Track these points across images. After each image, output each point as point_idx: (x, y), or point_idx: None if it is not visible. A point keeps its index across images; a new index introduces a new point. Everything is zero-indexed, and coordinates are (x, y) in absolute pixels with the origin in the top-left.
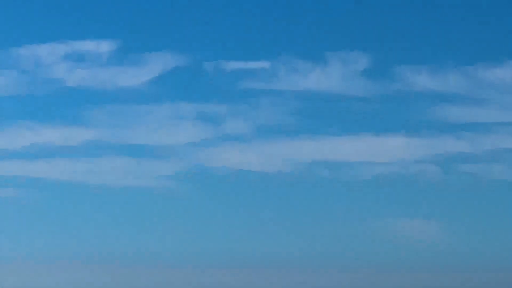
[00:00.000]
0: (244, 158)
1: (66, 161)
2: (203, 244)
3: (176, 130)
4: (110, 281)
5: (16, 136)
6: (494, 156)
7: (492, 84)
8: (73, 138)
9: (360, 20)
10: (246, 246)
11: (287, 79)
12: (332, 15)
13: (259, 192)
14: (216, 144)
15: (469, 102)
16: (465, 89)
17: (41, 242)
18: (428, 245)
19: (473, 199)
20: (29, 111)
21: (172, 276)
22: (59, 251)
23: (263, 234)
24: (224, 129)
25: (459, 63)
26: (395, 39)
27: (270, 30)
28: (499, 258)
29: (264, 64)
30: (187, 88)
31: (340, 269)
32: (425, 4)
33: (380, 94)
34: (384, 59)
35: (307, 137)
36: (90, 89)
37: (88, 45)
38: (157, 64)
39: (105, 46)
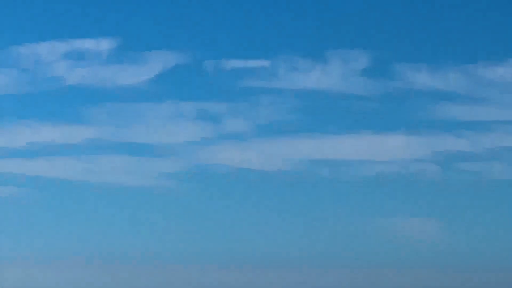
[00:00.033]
0: (244, 156)
1: (66, 159)
2: (203, 243)
3: (176, 129)
4: (110, 280)
5: (16, 134)
6: (494, 154)
7: (492, 83)
8: (73, 137)
9: (360, 19)
10: (247, 245)
11: (287, 77)
12: (332, 14)
13: (259, 191)
14: (216, 142)
15: (469, 101)
16: (465, 88)
17: (41, 241)
18: (428, 243)
19: (473, 198)
20: (29, 110)
21: (172, 275)
22: (59, 250)
23: (263, 233)
24: (224, 128)
25: (459, 61)
26: (395, 37)
27: (270, 29)
28: (499, 257)
29: (264, 62)
30: (187, 86)
31: (340, 267)
32: (425, 3)
33: (380, 92)
34: (384, 58)
35: (307, 136)
36: (90, 88)
37: (88, 44)
38: (157, 62)
39: (105, 45)
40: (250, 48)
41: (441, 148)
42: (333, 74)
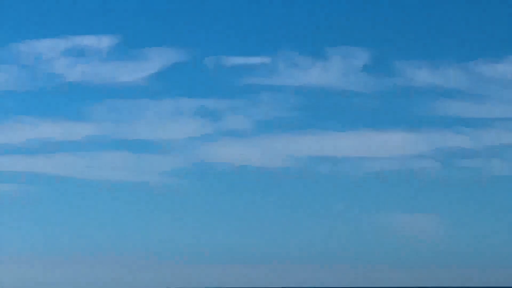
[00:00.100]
0: (244, 153)
1: (66, 156)
2: (204, 239)
3: (177, 126)
4: (109, 274)
5: (16, 131)
6: (494, 151)
7: (492, 80)
8: (73, 133)
9: (360, 16)
10: (247, 241)
11: (287, 74)
12: (332, 11)
13: (259, 187)
14: (217, 139)
15: (469, 98)
16: (465, 85)
17: (41, 237)
18: (428, 239)
19: (473, 194)
20: (29, 106)
21: (171, 270)
22: (59, 245)
23: (264, 229)
24: (225, 125)
25: (459, 58)
26: (395, 34)
27: (270, 26)
28: (499, 252)
29: (264, 59)
30: (188, 83)
31: (341, 263)
32: (424, 0)
33: (380, 89)
34: (384, 55)
35: (307, 132)
36: (90, 84)
37: (88, 40)
38: (157, 59)
39: (105, 41)
40: (251, 45)
41: (441, 144)
42: (333, 71)
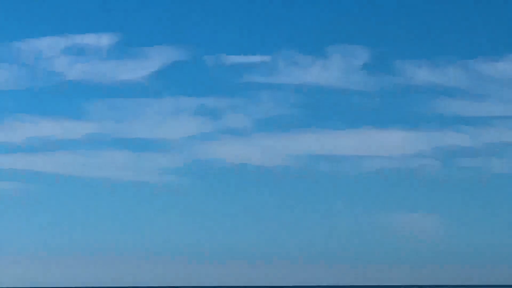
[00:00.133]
0: (244, 152)
1: (66, 154)
2: (203, 237)
3: (176, 124)
4: (109, 272)
5: (16, 129)
6: (494, 149)
7: (492, 78)
8: (73, 132)
9: (360, 15)
10: (246, 240)
11: (287, 73)
12: (333, 10)
13: (259, 186)
14: (216, 138)
15: (469, 96)
16: (465, 83)
17: (41, 235)
18: (428, 238)
19: (473, 192)
20: (29, 105)
21: (171, 267)
22: (59, 244)
23: (263, 228)
24: (224, 123)
25: (459, 57)
26: (395, 33)
27: (271, 24)
28: (499, 251)
29: (264, 58)
30: (187, 82)
31: (340, 262)
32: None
33: (380, 88)
34: (384, 53)
35: (307, 131)
36: (90, 83)
37: (88, 39)
38: (157, 58)
39: (105, 40)
40: (251, 44)
41: (441, 143)
42: (333, 70)
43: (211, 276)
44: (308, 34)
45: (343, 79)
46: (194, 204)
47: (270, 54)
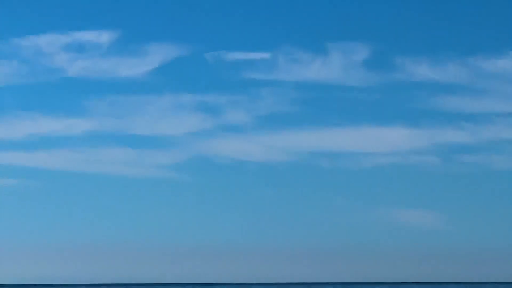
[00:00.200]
0: (244, 148)
1: (66, 151)
2: (203, 233)
3: (177, 121)
4: (109, 267)
5: (16, 126)
6: (494, 146)
7: (492, 75)
8: (73, 128)
9: (360, 11)
10: (247, 236)
11: (287, 69)
12: (332, 6)
13: (259, 182)
14: (217, 134)
15: (469, 93)
16: (465, 80)
17: (41, 232)
18: (428, 234)
19: (473, 189)
20: (29, 101)
21: (172, 264)
22: (60, 240)
23: (263, 224)
24: (225, 120)
25: (459, 53)
26: (396, 29)
27: (271, 21)
28: (500, 247)
29: (264, 54)
30: (188, 78)
31: (341, 257)
32: None
33: (380, 84)
34: (385, 50)
35: (307, 128)
36: (90, 79)
37: (88, 35)
38: (157, 54)
39: (105, 37)
40: (251, 40)
41: (441, 140)
42: (333, 66)
43: (212, 272)
44: (308, 30)
45: (343, 75)
46: (194, 200)
47: (271, 50)
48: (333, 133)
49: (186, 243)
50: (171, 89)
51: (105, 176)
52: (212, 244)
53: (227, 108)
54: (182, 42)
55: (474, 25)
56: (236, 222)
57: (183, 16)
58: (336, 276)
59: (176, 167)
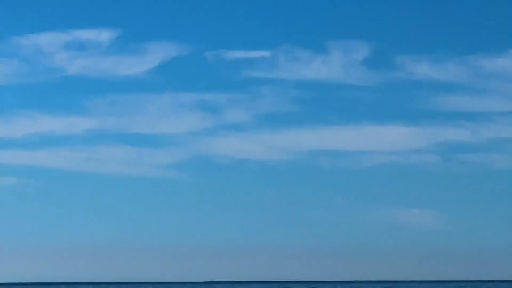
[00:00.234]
0: (244, 147)
1: (66, 150)
2: (203, 232)
3: (177, 120)
4: (109, 267)
5: (16, 125)
6: (494, 145)
7: (493, 74)
8: (73, 127)
9: (360, 10)
10: (247, 235)
11: (287, 68)
12: (333, 5)
13: (259, 181)
14: (217, 133)
15: (469, 92)
16: (465, 79)
17: (41, 230)
18: (428, 233)
19: (473, 188)
20: (29, 100)
21: (172, 263)
22: (60, 239)
23: (263, 223)
24: (225, 118)
25: (459, 52)
26: (396, 28)
27: (271, 20)
28: (499, 246)
29: (264, 53)
30: (188, 77)
31: (341, 255)
32: None
33: (380, 83)
34: (385, 49)
35: (307, 126)
36: (90, 78)
37: (88, 34)
38: (157, 53)
39: (105, 35)
40: (251, 39)
41: (442, 139)
42: (333, 65)
43: (212, 271)
44: (308, 29)
45: (343, 74)
46: (194, 199)
47: (271, 49)
48: (333, 132)
49: (186, 242)
50: (171, 88)
51: (105, 175)
52: (212, 243)
53: (227, 107)
54: (182, 40)
55: (474, 24)
56: (236, 221)
57: (183, 15)
58: (336, 275)
59: (176, 165)
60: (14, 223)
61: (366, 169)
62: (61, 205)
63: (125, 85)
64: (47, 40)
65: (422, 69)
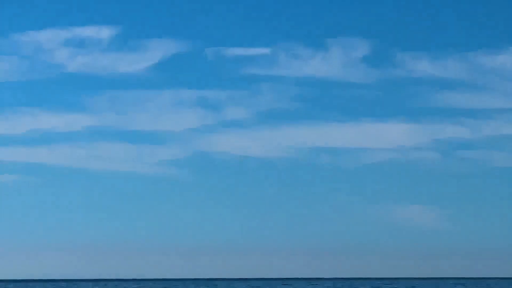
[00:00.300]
0: (244, 144)
1: (66, 147)
2: (203, 229)
3: (177, 116)
4: (108, 263)
5: (16, 122)
6: (494, 142)
7: (492, 71)
8: (73, 124)
9: (360, 7)
10: (247, 232)
11: (287, 65)
12: (333, 2)
13: (259, 177)
14: (217, 130)
15: (469, 89)
16: (465, 76)
17: (41, 226)
18: (428, 230)
19: (473, 185)
20: (29, 97)
21: (171, 260)
22: (60, 235)
23: (264, 219)
24: (225, 115)
25: (459, 49)
26: (396, 26)
27: (271, 17)
28: (499, 243)
29: (264, 50)
30: (188, 74)
31: (341, 252)
32: None
33: (380, 80)
34: (385, 46)
35: (307, 123)
36: (90, 75)
37: (88, 31)
38: (158, 50)
39: (105, 32)
40: (251, 36)
41: (441, 136)
42: (333, 62)
43: (212, 267)
44: (308, 26)
45: (343, 71)
46: (194, 196)
47: (271, 46)
48: (333, 129)
49: (186, 239)
50: (171, 85)
51: (105, 172)
52: (212, 240)
53: (227, 104)
54: (182, 38)
55: (474, 22)
56: (236, 218)
57: (183, 12)
58: (336, 272)
59: (176, 162)
60: (14, 220)
61: (366, 166)
62: (61, 201)
63: (125, 82)
64: (47, 37)
65: (422, 66)
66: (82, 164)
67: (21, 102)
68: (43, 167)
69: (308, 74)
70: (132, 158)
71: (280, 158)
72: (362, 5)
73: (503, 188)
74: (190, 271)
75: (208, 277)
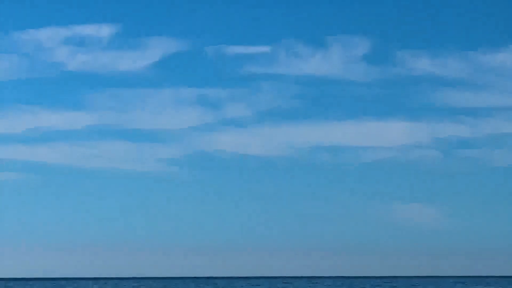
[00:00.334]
0: (244, 142)
1: (67, 145)
2: (203, 227)
3: (177, 115)
4: (108, 261)
5: (16, 120)
6: (494, 141)
7: (492, 69)
8: (74, 122)
9: (361, 5)
10: (247, 230)
11: (288, 63)
12: (333, 0)
13: (259, 176)
14: (217, 128)
15: (469, 87)
16: (465, 74)
17: (41, 225)
18: (428, 229)
19: (473, 183)
20: (29, 95)
21: (172, 259)
22: (59, 234)
23: (264, 218)
24: (225, 114)
25: (459, 47)
26: (396, 24)
27: (271, 15)
28: (499, 242)
29: (265, 48)
30: (188, 72)
31: (341, 251)
32: None
33: (380, 78)
34: (385, 44)
35: (308, 122)
36: (91, 73)
37: (89, 29)
38: (158, 48)
39: (106, 30)
40: (251, 34)
41: (442, 134)
42: (334, 60)
43: (212, 266)
44: (308, 24)
45: (343, 69)
46: (194, 194)
47: (271, 44)
48: (333, 127)
49: (186, 237)
50: (172, 83)
51: (106, 170)
52: (212, 238)
53: (228, 102)
54: (182, 36)
55: (474, 20)
56: (236, 216)
57: (183, 9)
58: (336, 270)
59: (176, 161)
60: (14, 218)
61: (366, 165)
62: (61, 200)
63: (125, 80)
64: (47, 35)
65: (422, 64)
66: (82, 162)
67: (21, 101)
68: (43, 165)
69: (309, 72)
70: (132, 156)
71: (281, 156)
72: (362, 3)
73: (503, 187)
74: (190, 270)
75: (208, 276)
